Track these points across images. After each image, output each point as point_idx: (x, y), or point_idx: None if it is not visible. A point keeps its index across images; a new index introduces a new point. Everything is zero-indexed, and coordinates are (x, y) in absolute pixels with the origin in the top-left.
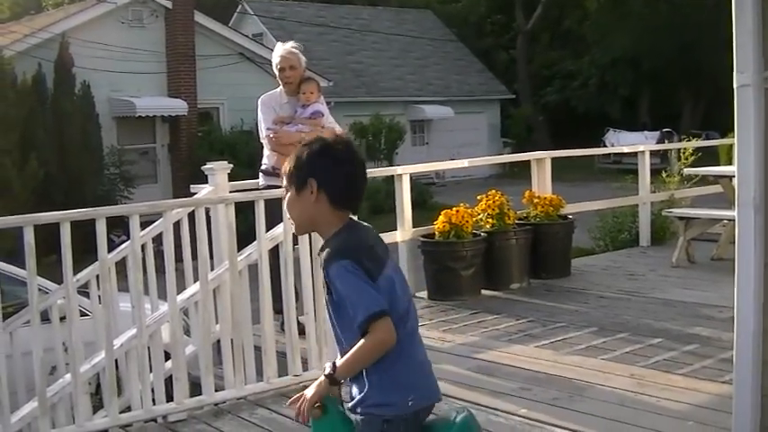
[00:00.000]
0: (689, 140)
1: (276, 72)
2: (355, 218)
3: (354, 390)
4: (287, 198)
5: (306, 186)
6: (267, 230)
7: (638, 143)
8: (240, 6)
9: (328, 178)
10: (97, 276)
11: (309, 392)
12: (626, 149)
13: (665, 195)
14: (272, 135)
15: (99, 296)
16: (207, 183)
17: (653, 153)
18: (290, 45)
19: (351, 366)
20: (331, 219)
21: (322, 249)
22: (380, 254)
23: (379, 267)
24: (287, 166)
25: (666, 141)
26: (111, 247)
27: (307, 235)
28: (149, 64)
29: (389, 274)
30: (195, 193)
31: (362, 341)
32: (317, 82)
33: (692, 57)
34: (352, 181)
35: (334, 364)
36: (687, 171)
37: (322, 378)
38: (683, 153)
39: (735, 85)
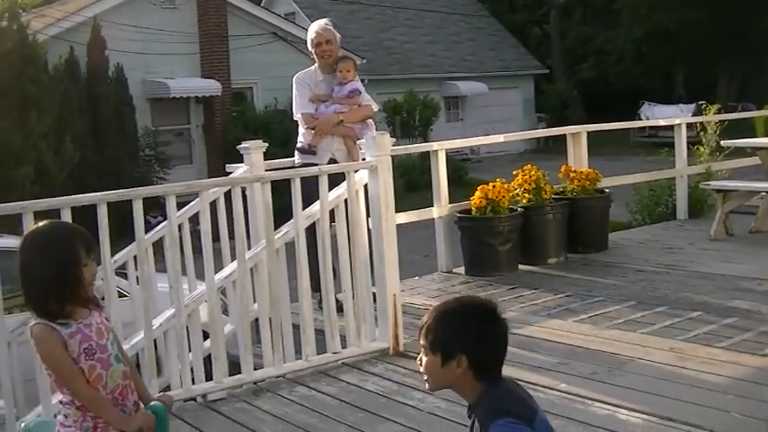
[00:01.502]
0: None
1: (312, 49)
2: None
3: None
4: (426, 361)
5: (453, 360)
6: (303, 208)
7: (673, 116)
8: None
9: (480, 355)
10: (134, 257)
11: None
12: (662, 122)
13: (701, 168)
14: (309, 126)
15: (137, 277)
16: (242, 162)
17: (689, 126)
18: (324, 21)
19: None
20: (475, 385)
21: (472, 410)
22: (529, 402)
23: (534, 413)
24: (430, 326)
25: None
26: (148, 228)
27: (344, 213)
28: (182, 45)
29: (543, 417)
30: (231, 173)
31: None
32: (354, 60)
33: (728, 29)
34: (501, 353)
35: None
36: (725, 143)
37: None
38: (709, 125)
39: None
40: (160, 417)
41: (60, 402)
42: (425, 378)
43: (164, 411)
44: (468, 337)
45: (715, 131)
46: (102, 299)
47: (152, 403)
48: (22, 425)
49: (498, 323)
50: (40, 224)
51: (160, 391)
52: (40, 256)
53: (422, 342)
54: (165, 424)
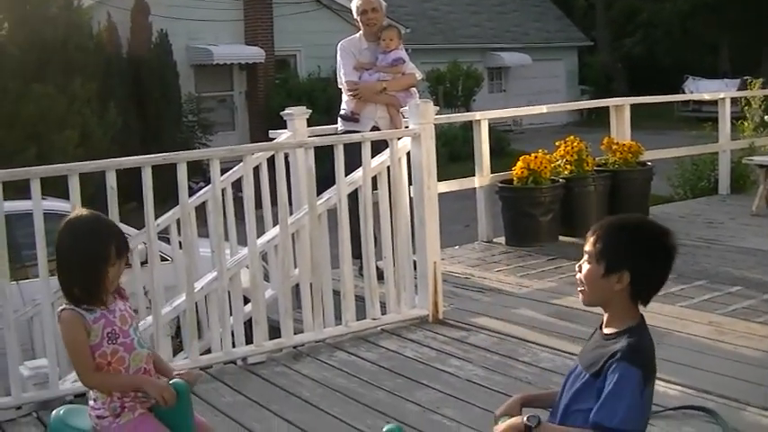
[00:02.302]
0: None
1: (357, 16)
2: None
3: None
4: (587, 268)
5: (616, 274)
6: (346, 175)
7: (717, 91)
8: None
9: (643, 277)
10: (177, 221)
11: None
12: (706, 97)
13: (745, 143)
14: (353, 92)
15: (179, 242)
16: (284, 129)
17: (733, 101)
18: None
19: None
20: (628, 309)
21: (611, 336)
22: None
23: (653, 378)
24: (601, 235)
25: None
26: (190, 194)
27: (386, 181)
28: (226, 12)
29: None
30: (274, 139)
31: None
32: (399, 29)
33: None
34: (664, 281)
35: (539, 419)
36: None
37: (522, 425)
38: (754, 100)
39: None
40: (181, 393)
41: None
42: (580, 289)
43: (185, 388)
44: (637, 254)
45: (759, 106)
46: (145, 262)
47: (173, 380)
48: (53, 412)
49: (669, 250)
50: (84, 213)
51: (201, 354)
52: (75, 245)
53: (587, 248)
54: (186, 400)
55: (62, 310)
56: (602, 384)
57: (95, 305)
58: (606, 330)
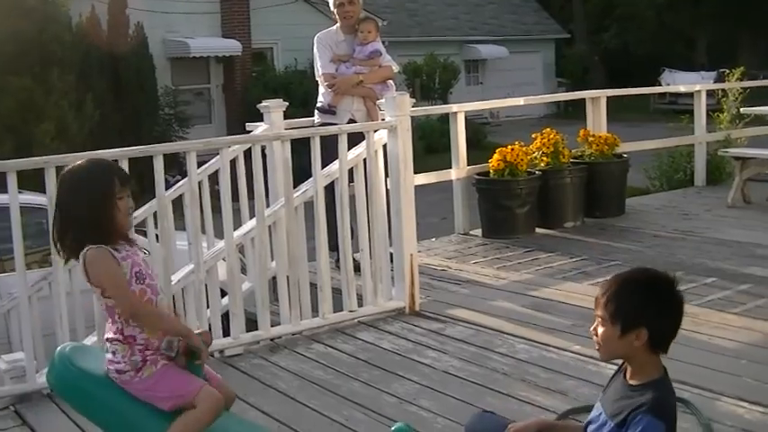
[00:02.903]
0: (735, 78)
1: (334, 9)
2: None
3: None
4: (602, 331)
5: (633, 332)
6: (322, 168)
7: (694, 83)
8: None
9: (660, 330)
10: (154, 214)
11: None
12: (682, 89)
13: (721, 135)
14: (330, 84)
15: (156, 235)
16: (261, 122)
17: (709, 93)
18: None
19: None
20: (650, 361)
21: (637, 388)
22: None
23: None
24: (610, 296)
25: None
26: (166, 187)
27: (362, 173)
28: (203, 4)
29: None
30: (251, 132)
31: None
32: (376, 21)
33: None
34: (678, 328)
35: None
36: (744, 110)
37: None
38: (731, 92)
39: None
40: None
41: (107, 340)
42: (598, 348)
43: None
44: (651, 311)
45: (736, 99)
46: None
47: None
48: (58, 349)
49: (680, 299)
50: (74, 165)
51: None
52: (78, 187)
53: (599, 313)
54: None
55: (87, 251)
56: None
57: (116, 244)
58: (632, 381)
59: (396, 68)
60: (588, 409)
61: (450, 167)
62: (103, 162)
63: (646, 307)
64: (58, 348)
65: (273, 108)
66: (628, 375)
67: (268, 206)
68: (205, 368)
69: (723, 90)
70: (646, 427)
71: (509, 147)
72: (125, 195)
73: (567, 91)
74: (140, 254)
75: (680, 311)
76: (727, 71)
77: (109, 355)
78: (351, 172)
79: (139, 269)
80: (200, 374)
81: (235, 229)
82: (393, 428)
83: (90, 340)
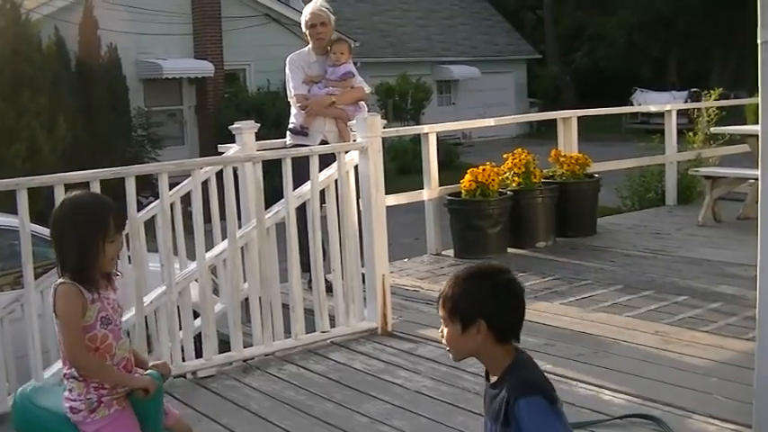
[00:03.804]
0: (713, 99)
1: (306, 30)
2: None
3: None
4: (447, 332)
5: (473, 326)
6: (294, 189)
7: (665, 103)
8: None
9: (498, 318)
10: (126, 235)
11: None
12: (653, 109)
13: (691, 155)
14: (302, 105)
15: (128, 256)
16: (234, 143)
17: (680, 113)
18: (319, 3)
19: None
20: (498, 352)
21: (499, 382)
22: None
23: (554, 393)
24: (447, 294)
25: (693, 101)
26: (139, 209)
27: (334, 194)
28: (175, 26)
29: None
30: (223, 153)
31: None
32: (349, 42)
33: (721, 16)
34: (520, 315)
35: None
36: (714, 130)
37: None
38: (707, 112)
39: (759, 41)
40: (157, 383)
41: (65, 375)
42: (448, 349)
43: (160, 379)
44: (482, 301)
45: (711, 119)
46: None
47: (149, 371)
48: (19, 390)
49: (513, 285)
50: (81, 192)
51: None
52: (75, 221)
53: (441, 314)
54: (160, 391)
55: (60, 283)
56: (518, 429)
57: (91, 286)
58: (492, 379)
59: (368, 90)
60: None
61: (423, 188)
62: (106, 202)
63: (479, 300)
64: (20, 389)
65: (245, 129)
66: (489, 377)
67: (240, 227)
68: (165, 405)
69: (697, 110)
70: (525, 412)
71: (480, 167)
72: (117, 240)
73: (539, 111)
74: (112, 295)
75: (516, 299)
76: (705, 92)
77: (66, 393)
78: (322, 193)
79: (106, 314)
80: (158, 410)
81: (207, 251)
82: None
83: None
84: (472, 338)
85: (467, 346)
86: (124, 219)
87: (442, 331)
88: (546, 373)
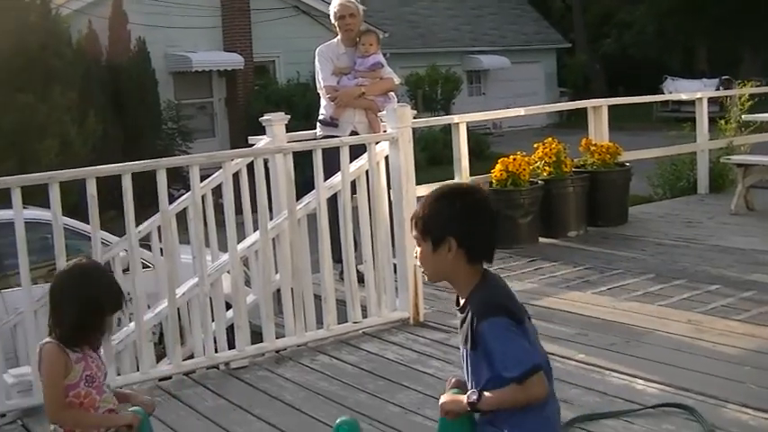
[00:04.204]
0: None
1: (335, 21)
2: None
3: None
4: (420, 251)
5: (443, 244)
6: (325, 180)
7: (696, 91)
8: None
9: (468, 236)
10: (158, 228)
11: (446, 404)
12: (684, 97)
13: (723, 142)
14: (332, 97)
15: (160, 249)
16: (264, 135)
17: (711, 101)
18: None
19: (497, 406)
20: (468, 273)
21: (465, 304)
22: (519, 303)
23: (523, 313)
24: (419, 214)
25: (724, 89)
26: (171, 201)
27: (365, 185)
28: (205, 19)
29: (530, 321)
30: (253, 145)
31: (516, 390)
32: (377, 33)
33: (752, 2)
34: (491, 236)
35: (480, 393)
36: (745, 117)
37: (464, 402)
38: (740, 100)
39: None
40: (143, 419)
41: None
42: (423, 270)
43: (144, 414)
44: (452, 218)
45: (743, 107)
46: (127, 269)
47: (134, 408)
48: None
49: (483, 204)
50: (86, 263)
51: (184, 359)
52: (78, 293)
53: (414, 234)
54: (144, 426)
55: (46, 343)
56: (485, 351)
57: (77, 347)
58: (461, 304)
59: (397, 80)
60: (593, 417)
61: (453, 178)
62: (109, 278)
63: (449, 217)
64: None
65: (276, 121)
66: (459, 301)
67: (271, 219)
68: None
69: (729, 97)
70: (489, 334)
71: (511, 157)
72: (108, 319)
73: (569, 100)
74: (96, 355)
75: (486, 218)
76: (738, 81)
77: None
78: (353, 184)
79: (91, 372)
80: None
81: (238, 242)
82: (338, 421)
83: None
84: (443, 257)
85: (439, 266)
86: (119, 302)
87: (416, 253)
88: (579, 363)
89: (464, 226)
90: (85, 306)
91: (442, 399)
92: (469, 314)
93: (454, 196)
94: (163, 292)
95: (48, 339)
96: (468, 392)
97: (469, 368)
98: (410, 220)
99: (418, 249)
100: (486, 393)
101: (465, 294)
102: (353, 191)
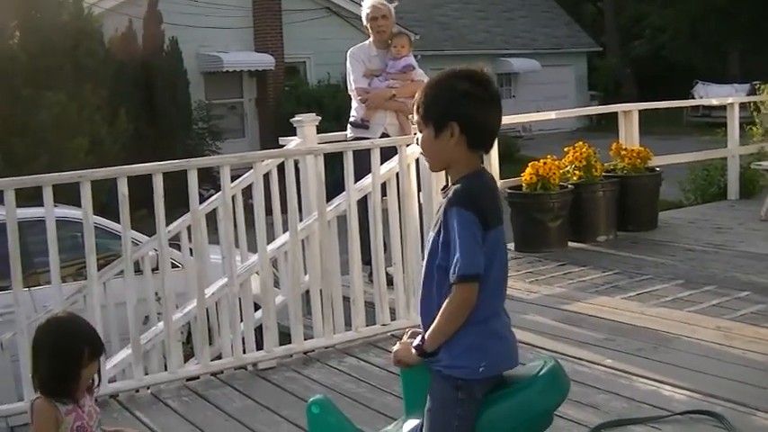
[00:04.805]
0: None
1: (367, 23)
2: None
3: None
4: (421, 136)
5: (446, 129)
6: (355, 182)
7: (727, 96)
8: None
9: (471, 122)
10: (188, 228)
11: (397, 353)
12: (715, 102)
13: (754, 148)
14: (363, 99)
15: (190, 249)
16: (294, 136)
17: (742, 106)
18: None
19: (437, 338)
20: (467, 160)
21: (447, 188)
22: (500, 206)
23: (496, 221)
24: (420, 99)
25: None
26: (201, 201)
27: (395, 187)
28: (236, 19)
29: (502, 229)
30: (284, 146)
31: (444, 306)
32: (409, 36)
33: None
34: (493, 123)
35: (423, 337)
36: None
37: (413, 351)
38: (764, 105)
39: None
40: None
41: None
42: (426, 159)
43: None
44: (457, 102)
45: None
46: (156, 268)
47: None
48: None
49: (487, 87)
50: (63, 315)
51: (212, 359)
52: (52, 345)
53: (415, 119)
54: None
55: (36, 398)
56: (446, 239)
57: (66, 398)
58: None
59: None
60: (620, 422)
61: None
62: (83, 333)
63: (452, 100)
64: None
65: (306, 122)
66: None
67: (301, 220)
68: None
69: (755, 103)
70: (450, 219)
71: (541, 160)
72: (92, 366)
73: (599, 104)
74: (89, 402)
75: (489, 102)
76: (759, 84)
77: None
78: (384, 186)
79: (81, 423)
80: None
81: (268, 243)
82: (311, 400)
83: (125, 353)
84: (446, 143)
85: (441, 152)
86: (100, 347)
87: (417, 140)
88: (606, 368)
89: (467, 110)
90: (62, 357)
91: (394, 348)
92: (445, 198)
93: (457, 79)
94: (192, 292)
95: (37, 395)
96: (412, 337)
97: (428, 258)
98: (413, 105)
99: (419, 135)
100: (427, 333)
101: (453, 181)
102: (383, 193)
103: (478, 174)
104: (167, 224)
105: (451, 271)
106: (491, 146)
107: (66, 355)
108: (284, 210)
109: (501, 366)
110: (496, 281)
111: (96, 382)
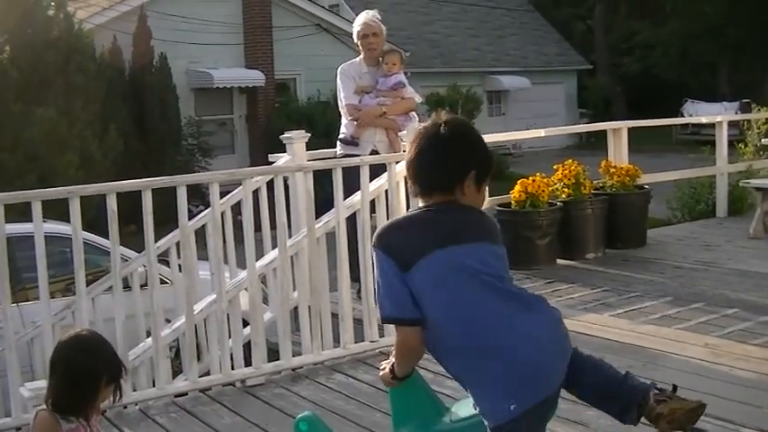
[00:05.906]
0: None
1: (358, 41)
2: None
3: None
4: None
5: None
6: (344, 199)
7: (716, 114)
8: None
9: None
10: (177, 244)
11: (383, 378)
12: (704, 120)
13: (742, 166)
14: (353, 116)
15: (179, 265)
16: (284, 153)
17: (731, 124)
18: (371, 13)
19: (398, 366)
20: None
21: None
22: (425, 238)
23: (414, 257)
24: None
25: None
26: (189, 217)
27: (384, 204)
28: (226, 36)
29: (441, 259)
30: (273, 162)
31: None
32: (401, 53)
33: None
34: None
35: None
36: (765, 141)
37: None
38: (757, 123)
39: None
40: None
41: None
42: None
43: None
44: (474, 155)
45: (760, 131)
46: (145, 285)
47: None
48: None
49: (432, 140)
50: (85, 334)
51: (200, 376)
52: (67, 367)
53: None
54: None
55: (41, 410)
56: None
57: (76, 416)
58: None
59: (418, 100)
60: None
61: None
62: (101, 353)
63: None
64: None
65: (296, 139)
66: None
67: (290, 237)
68: None
69: (747, 121)
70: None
71: (530, 178)
72: (108, 391)
73: (589, 122)
74: (93, 420)
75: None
76: (752, 103)
77: None
78: (373, 203)
79: None
80: None
81: (257, 260)
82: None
83: None
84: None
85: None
86: (119, 374)
87: None
88: None
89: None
90: (78, 380)
91: (382, 365)
92: None
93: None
94: (180, 308)
95: (42, 406)
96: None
97: None
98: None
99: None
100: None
101: None
102: (372, 210)
103: (416, 209)
104: (156, 240)
105: (380, 311)
106: (427, 189)
107: (82, 377)
108: (273, 226)
109: (533, 398)
110: (465, 319)
111: (113, 401)
